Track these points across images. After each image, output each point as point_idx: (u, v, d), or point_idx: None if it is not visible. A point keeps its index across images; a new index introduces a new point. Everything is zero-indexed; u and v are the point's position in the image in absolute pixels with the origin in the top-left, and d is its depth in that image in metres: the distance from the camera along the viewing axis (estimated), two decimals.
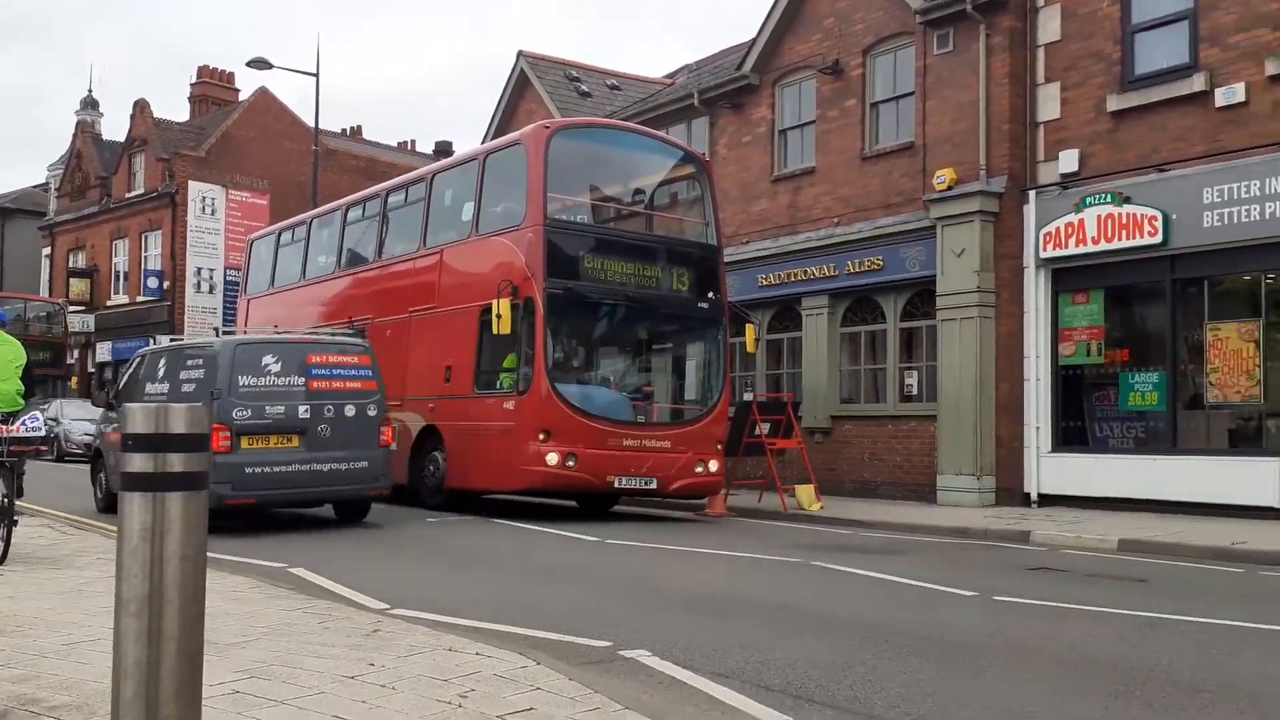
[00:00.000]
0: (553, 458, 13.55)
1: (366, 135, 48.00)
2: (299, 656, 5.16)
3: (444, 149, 44.66)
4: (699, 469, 14.52)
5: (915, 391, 17.64)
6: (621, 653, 5.71)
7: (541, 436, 13.59)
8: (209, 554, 8.62)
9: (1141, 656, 5.93)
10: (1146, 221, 14.54)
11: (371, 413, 12.75)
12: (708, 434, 14.79)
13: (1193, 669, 5.60)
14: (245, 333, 22.02)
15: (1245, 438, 14.27)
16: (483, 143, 24.83)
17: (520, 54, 26.64)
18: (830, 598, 7.95)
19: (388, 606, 6.93)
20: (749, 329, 16.31)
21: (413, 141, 48.89)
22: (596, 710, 4.35)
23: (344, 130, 47.17)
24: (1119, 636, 6.55)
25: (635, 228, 16.63)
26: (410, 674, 4.84)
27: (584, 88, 26.66)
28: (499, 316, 13.51)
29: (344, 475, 12.37)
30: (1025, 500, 15.79)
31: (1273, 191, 13.37)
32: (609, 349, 15.97)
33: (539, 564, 9.80)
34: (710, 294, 15.29)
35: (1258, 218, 13.50)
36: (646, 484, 14.15)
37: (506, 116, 26.61)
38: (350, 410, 12.52)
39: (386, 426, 12.99)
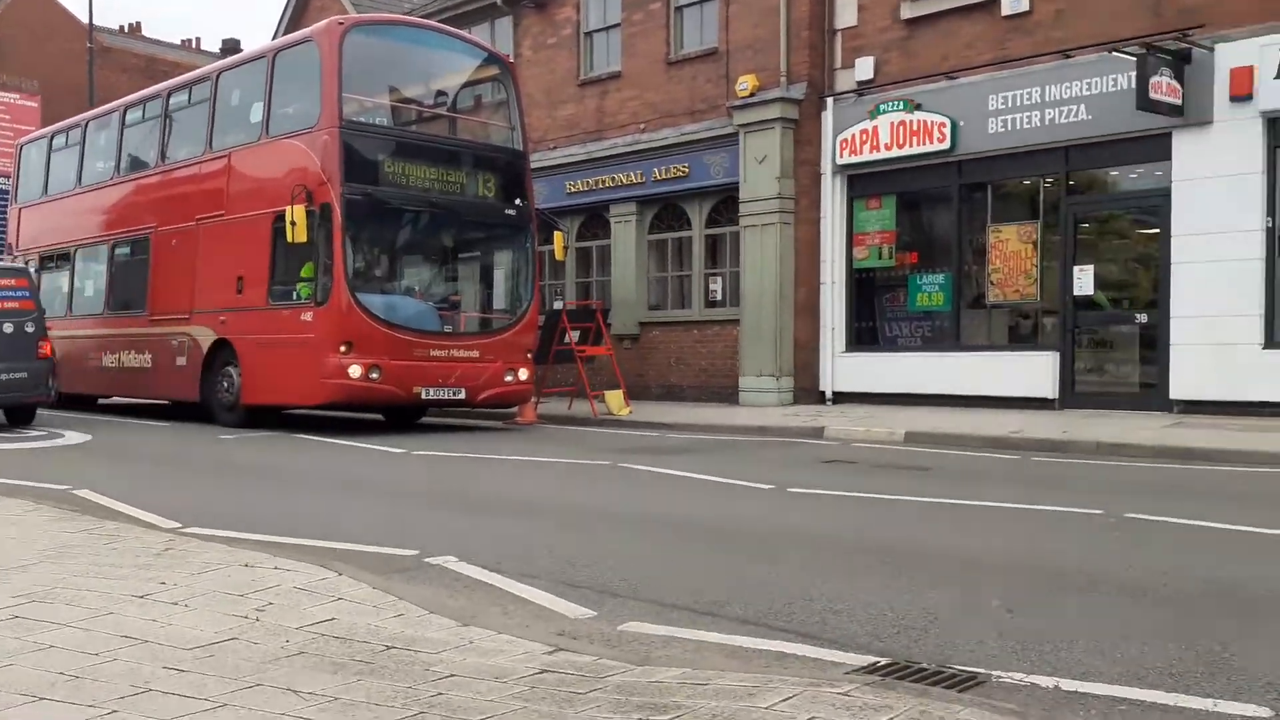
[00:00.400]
0: (355, 370, 13.27)
1: (147, 32, 44.99)
2: (85, 579, 4.94)
3: (231, 47, 42.21)
4: (508, 378, 14.49)
5: (720, 297, 18.02)
6: (428, 560, 5.70)
7: (343, 348, 13.27)
8: None
9: (922, 538, 6.33)
10: (936, 128, 15.13)
11: (29, 329, 14.24)
12: (516, 343, 14.75)
13: (969, 548, 6.01)
14: (17, 244, 20.65)
15: (1023, 334, 15.21)
16: (272, 40, 23.65)
17: None
18: (636, 497, 8.14)
19: (180, 525, 6.70)
20: (557, 236, 16.26)
21: (197, 39, 46.20)
22: (401, 617, 4.35)
23: (121, 27, 44.06)
24: (903, 521, 6.96)
25: (438, 131, 16.23)
26: (204, 591, 4.71)
27: None
28: (293, 224, 13.02)
29: (5, 384, 13.89)
30: (822, 398, 16.47)
31: (1052, 99, 14.09)
32: (413, 257, 15.65)
33: (343, 478, 9.65)
34: (517, 200, 15.12)
35: (1038, 124, 14.22)
36: (455, 394, 14.04)
37: (298, 13, 25.43)
38: (8, 327, 14.03)
39: (44, 341, 14.46)
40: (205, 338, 15.14)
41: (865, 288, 16.65)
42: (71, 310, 18.84)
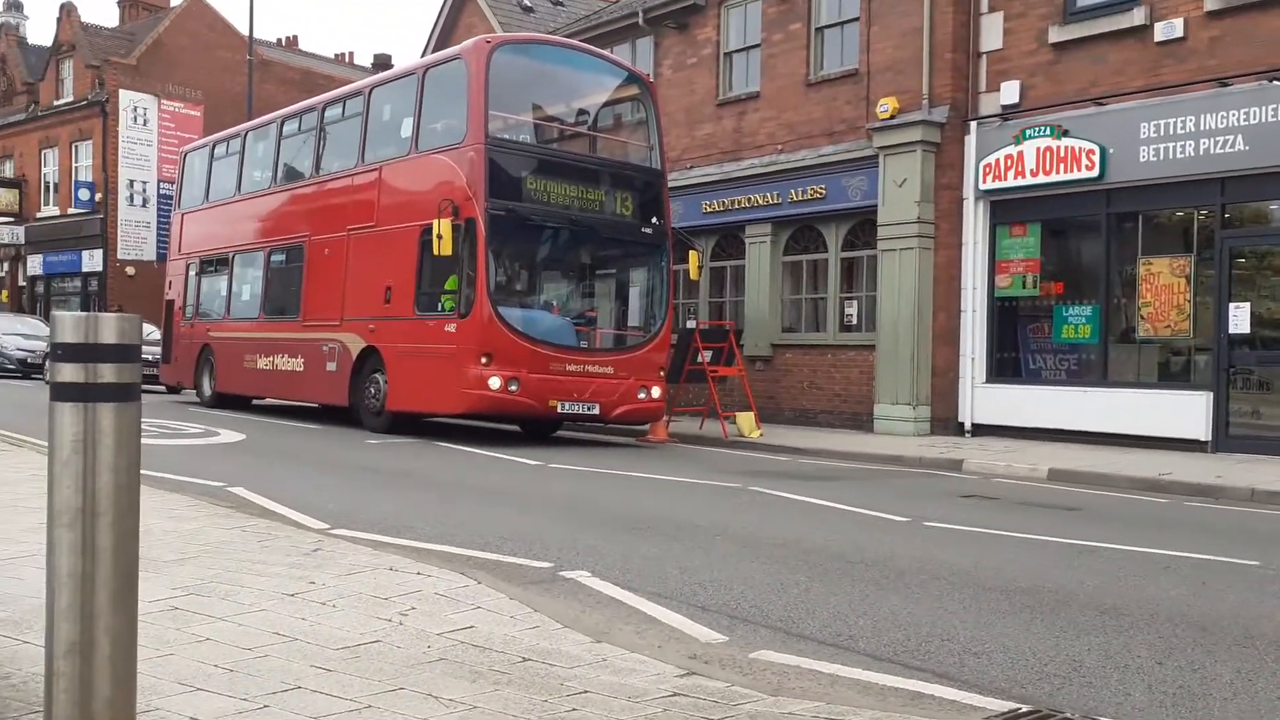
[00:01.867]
0: (495, 381, 13.50)
1: (303, 46, 46.82)
2: (238, 574, 5.15)
3: (383, 62, 43.67)
4: (641, 395, 14.56)
5: (855, 321, 17.80)
6: (562, 573, 5.77)
7: (483, 360, 13.51)
8: (148, 471, 8.50)
9: (1066, 581, 6.12)
10: (1084, 155, 14.69)
11: None
12: (650, 360, 14.84)
13: (1115, 594, 5.80)
14: (179, 249, 21.62)
15: (1174, 371, 14.62)
16: (422, 57, 24.31)
17: None
18: (767, 522, 8.09)
19: (329, 526, 6.92)
20: (693, 255, 16.31)
21: (351, 54, 47.80)
22: (536, 629, 4.41)
23: (280, 40, 45.95)
24: (1046, 562, 6.75)
25: (578, 149, 16.43)
26: (351, 592, 4.86)
27: (526, 3, 26.19)
28: (440, 237, 13.33)
29: None
30: (960, 430, 16.10)
31: (1207, 128, 13.55)
32: (552, 272, 15.88)
33: (481, 486, 9.84)
34: (654, 219, 15.22)
35: (1192, 154, 13.69)
36: (589, 409, 14.17)
37: (446, 31, 26.10)
38: None
39: None
40: (355, 345, 15.61)
41: (1007, 317, 16.24)
42: (229, 313, 19.61)
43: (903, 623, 5.00)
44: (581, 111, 16.75)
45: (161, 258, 38.35)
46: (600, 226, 14.98)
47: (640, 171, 15.65)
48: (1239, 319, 13.49)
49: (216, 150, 21.06)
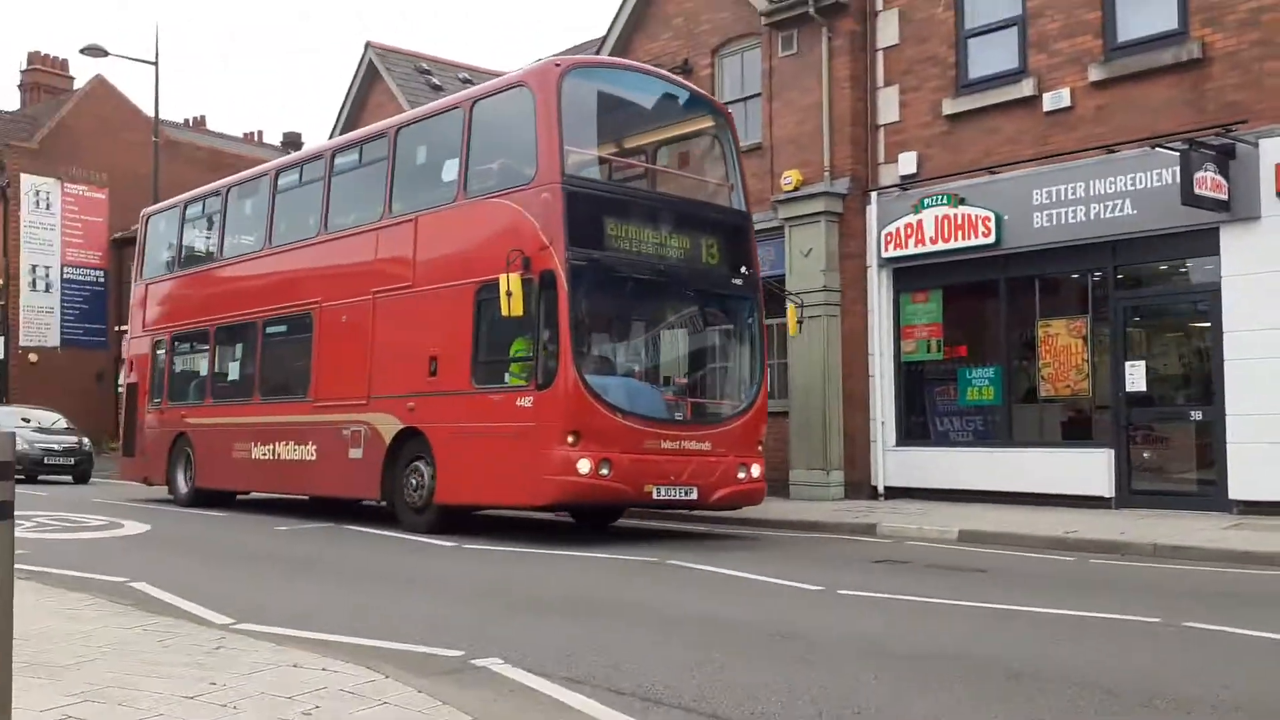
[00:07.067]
0: (584, 465, 11.04)
1: (211, 125, 46.39)
2: (137, 677, 4.91)
3: (292, 140, 43.46)
4: (741, 474, 12.18)
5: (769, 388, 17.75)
6: (473, 662, 5.63)
7: (570, 439, 11.05)
8: (50, 569, 8.17)
9: (976, 648, 6.12)
10: (980, 222, 15.06)
11: None
12: (750, 432, 12.49)
13: (1024, 659, 5.73)
14: (143, 324, 18.72)
15: (1077, 430, 14.92)
16: (331, 137, 24.12)
17: (368, 45, 25.95)
18: (681, 596, 7.99)
19: (232, 621, 6.72)
20: (791, 309, 14.74)
21: (260, 132, 47.36)
22: None
23: (187, 120, 45.42)
24: (960, 629, 6.76)
25: (656, 189, 14.09)
26: (253, 692, 4.65)
27: (435, 80, 26.22)
28: (509, 294, 10.93)
29: None
30: (874, 493, 16.20)
31: (1097, 193, 13.99)
32: (635, 334, 13.51)
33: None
34: (744, 267, 13.00)
35: (1084, 219, 14.10)
36: (687, 494, 11.76)
37: (355, 109, 26.01)
38: None
39: None
40: (388, 427, 12.98)
41: (915, 381, 16.43)
42: (212, 396, 16.81)
43: (817, 698, 4.93)
44: (659, 145, 14.76)
45: (67, 344, 37.45)
46: (689, 276, 12.64)
47: (726, 213, 13.29)
48: (1135, 377, 13.86)
49: (189, 211, 18.04)
